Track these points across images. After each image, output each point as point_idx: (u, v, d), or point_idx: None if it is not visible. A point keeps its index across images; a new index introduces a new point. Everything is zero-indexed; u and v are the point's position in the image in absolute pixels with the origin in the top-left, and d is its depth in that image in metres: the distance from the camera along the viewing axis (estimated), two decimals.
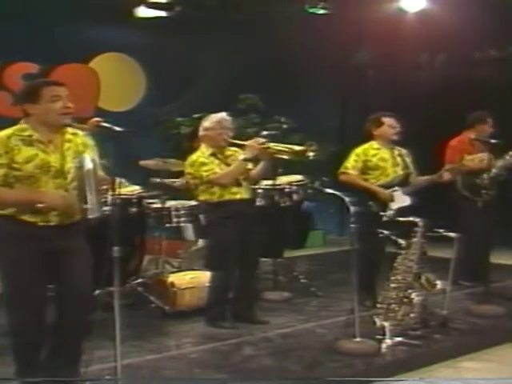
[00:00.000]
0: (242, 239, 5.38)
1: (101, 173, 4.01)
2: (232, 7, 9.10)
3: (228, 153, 5.50)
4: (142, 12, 8.99)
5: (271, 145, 5.42)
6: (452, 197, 6.71)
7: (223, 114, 5.54)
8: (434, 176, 6.13)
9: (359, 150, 6.10)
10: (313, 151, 5.39)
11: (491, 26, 8.49)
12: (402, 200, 5.93)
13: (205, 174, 5.33)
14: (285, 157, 5.49)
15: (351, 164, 6.06)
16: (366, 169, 6.04)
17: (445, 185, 6.55)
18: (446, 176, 6.20)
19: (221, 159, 5.44)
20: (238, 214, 5.35)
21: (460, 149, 6.66)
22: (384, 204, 5.85)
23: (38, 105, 3.85)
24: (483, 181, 6.54)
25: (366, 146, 6.11)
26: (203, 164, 5.36)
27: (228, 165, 5.42)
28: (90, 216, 3.79)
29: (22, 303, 3.88)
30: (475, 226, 6.42)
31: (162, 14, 9.05)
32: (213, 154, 5.43)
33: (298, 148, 5.45)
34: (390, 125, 6.07)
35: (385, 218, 5.52)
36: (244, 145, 5.43)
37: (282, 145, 5.50)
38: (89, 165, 3.81)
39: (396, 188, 5.97)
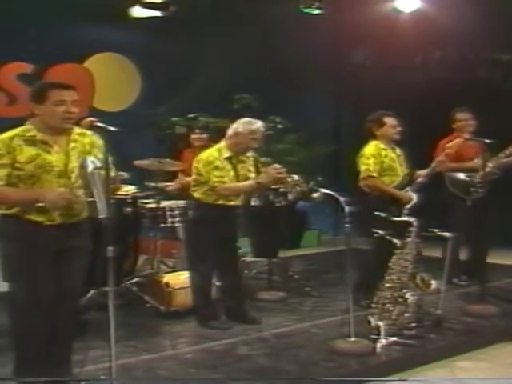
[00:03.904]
0: (224, 240, 5.38)
1: (112, 173, 3.98)
2: (227, 7, 9.10)
3: (242, 158, 5.44)
4: (137, 12, 9.00)
5: (286, 176, 5.29)
6: (442, 195, 6.72)
7: (259, 124, 5.39)
8: (430, 168, 6.08)
9: (372, 151, 5.91)
10: (317, 194, 5.37)
11: (486, 26, 8.50)
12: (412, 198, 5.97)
13: (215, 179, 5.24)
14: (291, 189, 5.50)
15: (373, 167, 5.84)
16: (381, 170, 5.90)
17: (438, 184, 6.55)
18: (441, 165, 6.16)
19: (234, 164, 5.37)
20: (226, 218, 5.34)
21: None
22: (401, 206, 5.82)
23: (42, 106, 3.87)
24: (472, 179, 6.52)
25: (373, 146, 5.94)
26: (217, 168, 5.27)
27: (237, 170, 5.36)
28: (97, 216, 3.76)
29: (29, 302, 3.86)
30: (465, 224, 6.41)
31: (157, 13, 9.05)
32: (228, 158, 5.34)
33: (306, 188, 5.39)
34: (391, 125, 5.97)
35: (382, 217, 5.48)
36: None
37: (296, 178, 5.38)
38: (90, 166, 3.82)
39: (407, 188, 5.97)
